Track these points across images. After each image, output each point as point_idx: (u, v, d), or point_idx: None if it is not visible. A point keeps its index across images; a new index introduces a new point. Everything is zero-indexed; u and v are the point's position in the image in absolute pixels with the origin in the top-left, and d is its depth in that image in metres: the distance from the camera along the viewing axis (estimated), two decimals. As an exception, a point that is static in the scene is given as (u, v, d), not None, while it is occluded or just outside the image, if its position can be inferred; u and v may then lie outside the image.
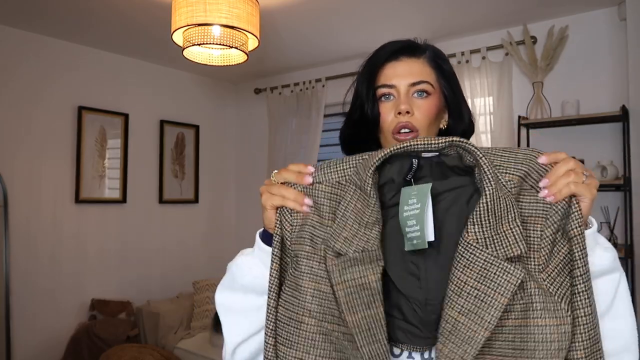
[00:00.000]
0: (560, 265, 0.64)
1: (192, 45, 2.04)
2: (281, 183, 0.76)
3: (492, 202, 0.63)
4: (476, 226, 0.63)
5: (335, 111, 3.55)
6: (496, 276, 0.61)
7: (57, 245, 3.02)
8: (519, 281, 0.61)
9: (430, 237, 0.67)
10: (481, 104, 2.84)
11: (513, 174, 0.67)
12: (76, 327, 3.01)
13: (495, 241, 0.63)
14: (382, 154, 0.68)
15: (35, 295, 2.90)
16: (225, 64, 2.30)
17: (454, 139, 0.66)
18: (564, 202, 0.65)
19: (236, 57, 2.27)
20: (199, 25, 1.98)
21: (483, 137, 2.80)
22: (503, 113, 2.74)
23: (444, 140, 0.66)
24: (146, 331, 3.18)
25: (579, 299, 0.63)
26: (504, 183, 0.66)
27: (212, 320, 3.06)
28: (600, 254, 0.69)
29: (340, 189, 0.72)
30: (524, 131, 2.70)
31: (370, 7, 2.55)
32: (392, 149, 0.68)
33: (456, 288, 0.63)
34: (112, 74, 3.34)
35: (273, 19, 2.70)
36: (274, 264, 0.72)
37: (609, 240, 2.35)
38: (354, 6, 2.54)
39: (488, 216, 0.63)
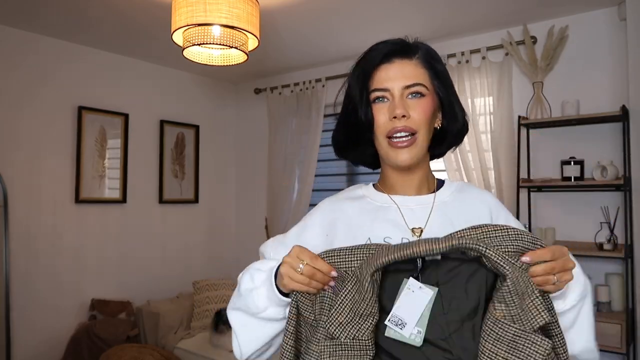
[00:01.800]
0: None
1: (192, 45, 2.04)
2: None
3: (513, 285, 0.69)
4: (502, 304, 0.69)
5: (335, 111, 3.53)
6: (525, 347, 0.67)
7: (57, 245, 3.02)
8: (547, 351, 0.66)
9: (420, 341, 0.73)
10: (481, 104, 2.84)
11: (510, 249, 0.73)
12: (76, 327, 3.01)
13: (522, 317, 0.68)
14: (387, 259, 0.71)
15: (35, 295, 2.90)
16: (225, 64, 2.30)
17: (454, 243, 0.70)
18: None
19: (236, 57, 2.27)
20: (199, 25, 1.98)
21: (483, 137, 2.80)
22: (503, 113, 2.74)
23: (445, 245, 0.70)
24: (146, 331, 3.18)
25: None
26: (513, 261, 0.71)
27: (212, 320, 3.05)
28: (570, 297, 0.81)
29: (343, 277, 0.77)
30: (524, 131, 2.70)
31: (370, 7, 2.55)
32: (396, 255, 0.71)
33: (488, 359, 0.69)
34: (112, 74, 3.34)
35: (273, 19, 2.70)
36: (289, 340, 0.77)
37: (609, 241, 2.35)
38: (354, 6, 2.54)
39: (512, 296, 0.69)
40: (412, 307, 0.73)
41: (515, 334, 0.68)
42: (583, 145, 2.58)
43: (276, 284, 0.82)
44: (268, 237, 3.79)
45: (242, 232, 4.15)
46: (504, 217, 0.92)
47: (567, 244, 2.53)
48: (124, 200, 3.36)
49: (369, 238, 0.86)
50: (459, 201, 0.91)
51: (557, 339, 0.72)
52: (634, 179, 2.28)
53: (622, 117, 2.33)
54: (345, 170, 3.62)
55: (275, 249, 0.97)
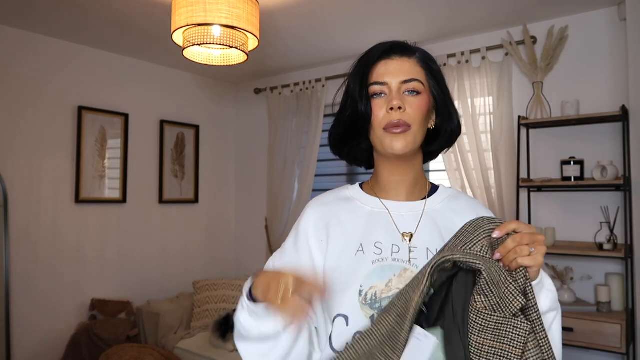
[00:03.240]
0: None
1: (192, 45, 2.04)
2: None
3: (489, 276, 0.71)
4: (482, 296, 0.72)
5: (335, 111, 3.54)
6: (507, 332, 0.70)
7: (57, 245, 3.02)
8: (528, 332, 0.69)
9: None
10: (481, 104, 2.84)
11: (481, 242, 0.76)
12: (76, 327, 3.01)
13: (501, 304, 0.71)
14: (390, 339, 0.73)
15: (35, 295, 2.90)
16: (225, 64, 2.30)
17: (428, 269, 0.72)
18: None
19: (236, 57, 2.27)
20: (199, 25, 1.98)
21: (483, 137, 2.80)
22: (503, 113, 2.74)
23: (426, 281, 0.72)
24: (146, 331, 3.18)
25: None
26: (483, 255, 0.74)
27: (213, 324, 3.01)
28: (544, 297, 0.79)
29: None
30: (524, 131, 2.70)
31: (370, 7, 2.55)
32: (405, 326, 0.72)
33: (475, 350, 0.70)
34: (112, 74, 3.34)
35: (273, 20, 2.70)
36: None
37: (609, 241, 2.35)
38: (355, 6, 2.54)
39: (489, 287, 0.71)
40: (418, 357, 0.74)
41: (497, 321, 0.70)
42: (583, 145, 2.58)
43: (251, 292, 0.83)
44: (268, 238, 3.80)
45: (242, 232, 4.15)
46: None
47: (567, 244, 2.53)
48: (124, 200, 3.36)
49: (362, 244, 0.88)
50: (449, 209, 0.93)
51: (536, 323, 0.73)
52: (634, 179, 2.28)
53: (622, 117, 2.33)
54: (345, 171, 3.62)
55: (274, 265, 0.98)
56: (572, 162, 2.45)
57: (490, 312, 0.70)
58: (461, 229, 0.79)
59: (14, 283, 2.80)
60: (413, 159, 0.93)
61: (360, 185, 0.99)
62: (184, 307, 3.34)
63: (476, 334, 0.70)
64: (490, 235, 0.76)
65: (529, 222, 2.70)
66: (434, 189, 0.97)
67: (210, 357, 2.86)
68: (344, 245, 0.89)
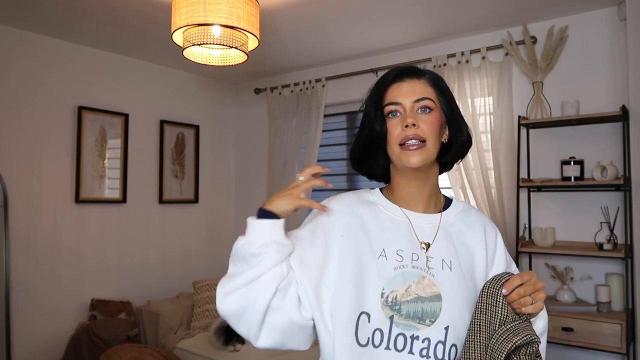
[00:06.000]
0: None
1: (192, 45, 2.04)
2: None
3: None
4: (527, 357, 0.85)
5: (335, 111, 3.55)
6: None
7: (57, 245, 3.02)
8: None
9: None
10: (481, 104, 2.84)
11: (508, 310, 0.89)
12: (76, 327, 3.01)
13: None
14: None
15: (35, 295, 2.90)
16: (225, 64, 2.31)
17: (512, 344, 0.83)
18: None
19: (236, 57, 2.27)
20: (199, 25, 1.98)
21: (483, 137, 2.80)
22: (503, 113, 2.74)
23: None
24: (146, 331, 3.18)
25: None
26: (520, 322, 0.88)
27: (217, 329, 2.99)
28: (539, 322, 0.96)
29: None
30: (524, 131, 2.70)
31: (371, 7, 2.55)
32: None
33: None
34: (112, 74, 3.34)
35: (273, 20, 2.70)
36: None
37: (609, 241, 2.35)
38: (354, 7, 2.54)
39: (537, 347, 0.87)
40: None
41: None
42: (583, 145, 2.58)
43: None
44: (268, 237, 3.79)
45: (242, 232, 4.12)
46: (494, 234, 1.05)
47: (567, 244, 2.54)
48: (124, 200, 3.36)
49: (384, 249, 0.94)
50: (462, 222, 1.03)
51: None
52: (634, 179, 2.28)
53: (622, 117, 2.33)
54: (345, 171, 3.62)
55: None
56: (572, 162, 2.45)
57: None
58: (480, 301, 0.89)
59: (13, 283, 2.80)
60: (429, 172, 1.00)
61: (380, 190, 1.05)
62: (184, 307, 3.34)
63: None
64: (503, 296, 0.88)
65: (529, 222, 2.70)
66: (447, 202, 1.06)
67: (210, 357, 2.86)
68: (367, 247, 0.94)
